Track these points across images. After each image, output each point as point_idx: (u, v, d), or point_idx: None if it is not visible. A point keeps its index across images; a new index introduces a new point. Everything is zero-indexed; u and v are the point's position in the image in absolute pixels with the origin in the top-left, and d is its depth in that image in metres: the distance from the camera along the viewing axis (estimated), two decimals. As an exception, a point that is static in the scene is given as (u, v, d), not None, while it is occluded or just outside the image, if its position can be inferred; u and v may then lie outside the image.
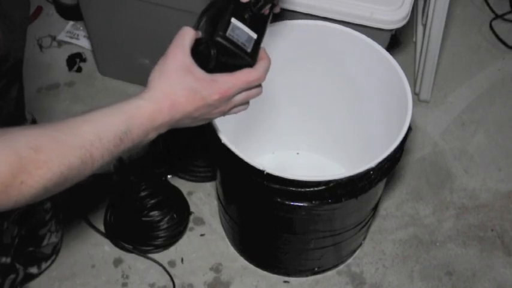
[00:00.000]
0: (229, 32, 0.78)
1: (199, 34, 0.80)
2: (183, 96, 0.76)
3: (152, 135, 0.76)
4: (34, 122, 1.08)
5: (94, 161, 0.68)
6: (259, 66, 0.81)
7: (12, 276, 1.08)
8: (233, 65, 0.80)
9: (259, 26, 0.83)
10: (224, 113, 0.83)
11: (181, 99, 0.76)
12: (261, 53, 0.83)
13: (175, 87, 0.76)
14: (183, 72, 0.76)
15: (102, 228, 1.35)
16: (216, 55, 0.78)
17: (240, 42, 0.79)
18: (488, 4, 1.77)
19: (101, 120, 0.70)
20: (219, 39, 0.78)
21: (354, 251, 1.33)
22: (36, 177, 0.63)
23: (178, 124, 0.78)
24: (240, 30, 0.80)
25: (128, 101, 0.74)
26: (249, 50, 0.80)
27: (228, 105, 0.81)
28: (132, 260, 1.32)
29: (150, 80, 0.76)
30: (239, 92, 0.81)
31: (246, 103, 0.85)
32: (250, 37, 0.81)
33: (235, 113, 0.85)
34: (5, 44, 0.75)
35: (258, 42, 0.82)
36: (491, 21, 1.74)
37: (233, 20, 0.79)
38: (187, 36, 0.78)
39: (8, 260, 1.05)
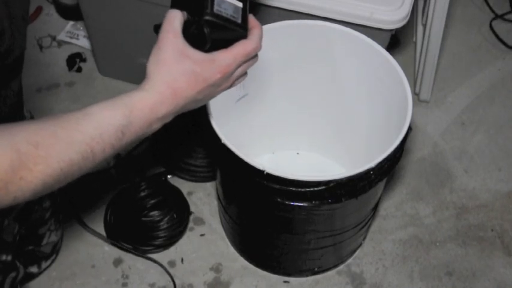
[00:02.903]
0: (216, 8, 0.76)
1: (185, 15, 0.78)
2: (184, 81, 0.74)
3: (156, 126, 0.74)
4: (32, 120, 1.08)
5: (95, 155, 0.67)
6: (254, 35, 0.80)
7: (13, 274, 1.08)
8: (227, 39, 0.78)
9: None
10: (226, 89, 0.82)
11: (183, 85, 0.74)
12: (250, 22, 0.81)
13: (175, 74, 0.74)
14: (180, 57, 0.74)
15: (102, 228, 1.35)
16: (210, 34, 0.76)
17: (230, 16, 0.77)
18: (488, 4, 1.77)
19: (101, 114, 0.68)
20: (209, 17, 0.75)
21: (354, 251, 1.33)
22: (35, 173, 0.62)
23: (182, 110, 0.77)
24: (225, 3, 0.77)
25: (128, 93, 0.72)
26: (239, 21, 0.78)
27: (230, 80, 0.80)
28: (132, 260, 1.32)
29: (148, 71, 0.75)
30: (239, 66, 0.80)
31: (244, 74, 0.83)
32: (236, 7, 0.79)
33: (235, 85, 0.84)
34: (10, 35, 0.74)
35: (245, 11, 0.80)
36: (491, 21, 1.74)
37: None
38: (176, 19, 0.76)
39: (9, 257, 1.05)
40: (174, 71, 0.74)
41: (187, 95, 0.75)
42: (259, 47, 0.81)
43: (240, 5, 0.79)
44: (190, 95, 0.75)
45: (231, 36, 0.78)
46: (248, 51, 0.79)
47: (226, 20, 0.77)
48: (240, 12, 0.79)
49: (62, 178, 0.65)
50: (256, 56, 0.83)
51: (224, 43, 0.78)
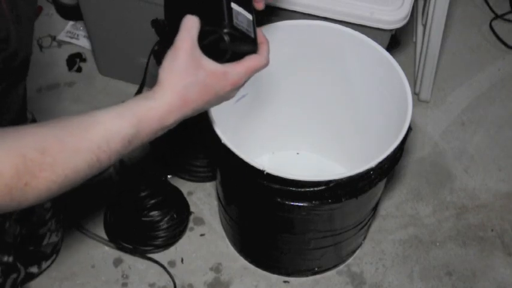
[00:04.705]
0: (235, 21, 0.75)
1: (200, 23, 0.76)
2: (195, 92, 0.74)
3: (162, 133, 0.74)
4: (34, 121, 1.08)
5: (101, 163, 0.67)
6: (263, 51, 0.80)
7: (14, 275, 1.08)
8: (239, 53, 0.77)
9: (247, 3, 0.79)
10: (231, 98, 0.82)
11: (193, 96, 0.74)
12: (260, 37, 0.80)
13: (187, 84, 0.73)
14: (194, 67, 0.74)
15: (102, 228, 1.35)
16: (230, 46, 0.74)
17: (245, 29, 0.76)
18: (488, 4, 1.77)
19: (109, 123, 0.68)
20: (229, 30, 0.74)
21: (354, 251, 1.33)
22: (40, 179, 0.62)
23: (188, 117, 0.77)
24: (241, 15, 0.76)
25: (138, 101, 0.72)
26: (253, 36, 0.77)
27: (236, 92, 0.80)
28: (132, 260, 1.32)
29: (161, 77, 0.74)
30: (248, 79, 0.80)
31: None
32: (248, 20, 0.77)
33: None
34: (16, 39, 0.74)
35: (254, 23, 0.79)
36: (491, 21, 1.74)
37: (233, 5, 0.75)
38: (194, 27, 0.75)
39: (10, 259, 1.05)
40: (187, 82, 0.74)
41: (196, 105, 0.75)
42: (268, 62, 0.81)
43: (251, 17, 0.78)
44: (198, 105, 0.75)
45: (244, 50, 0.78)
46: (259, 66, 0.79)
47: (243, 33, 0.76)
48: (252, 25, 0.78)
49: (67, 185, 0.65)
50: None
51: (235, 56, 0.77)
